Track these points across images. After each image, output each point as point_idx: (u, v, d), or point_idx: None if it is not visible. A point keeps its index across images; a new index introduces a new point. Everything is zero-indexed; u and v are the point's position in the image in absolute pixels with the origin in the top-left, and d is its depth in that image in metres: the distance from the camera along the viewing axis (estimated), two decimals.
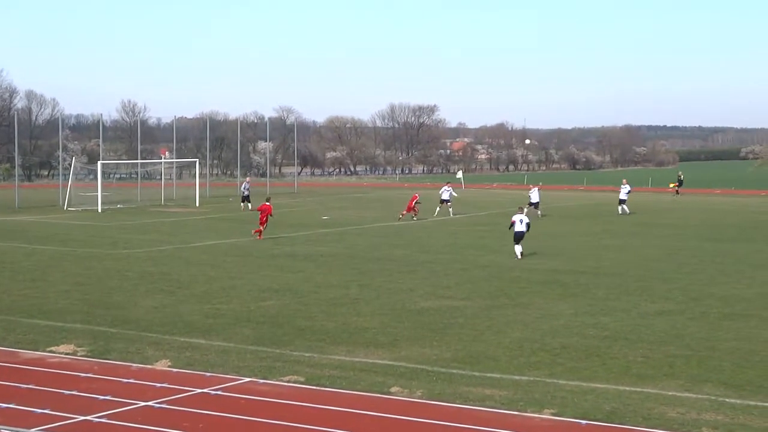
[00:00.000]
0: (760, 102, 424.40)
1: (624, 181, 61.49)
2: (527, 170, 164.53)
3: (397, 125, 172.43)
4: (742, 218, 57.22)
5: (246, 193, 63.70)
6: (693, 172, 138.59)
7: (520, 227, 35.51)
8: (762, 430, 14.08)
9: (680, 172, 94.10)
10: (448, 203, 56.63)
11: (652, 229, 48.65)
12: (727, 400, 15.62)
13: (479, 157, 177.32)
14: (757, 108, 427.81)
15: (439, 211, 55.63)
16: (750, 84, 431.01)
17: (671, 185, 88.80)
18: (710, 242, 42.07)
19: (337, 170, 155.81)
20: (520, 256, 34.99)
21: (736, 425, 14.25)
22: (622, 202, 58.91)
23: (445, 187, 57.71)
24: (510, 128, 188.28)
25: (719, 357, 18.80)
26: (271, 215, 42.86)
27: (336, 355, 18.91)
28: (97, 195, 62.50)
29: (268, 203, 43.35)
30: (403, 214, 53.55)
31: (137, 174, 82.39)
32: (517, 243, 35.40)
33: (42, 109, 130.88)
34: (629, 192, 59.85)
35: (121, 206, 65.16)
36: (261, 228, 42.23)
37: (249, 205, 61.92)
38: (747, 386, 16.50)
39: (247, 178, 70.16)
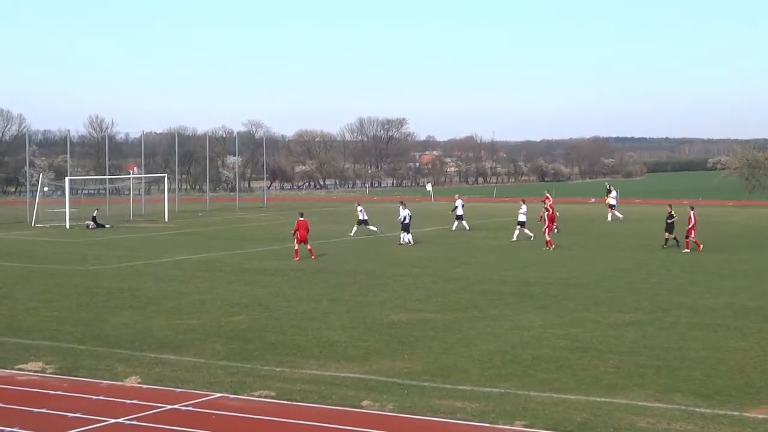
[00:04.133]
0: (725, 113, 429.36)
1: (457, 195, 59.52)
2: (496, 182, 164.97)
3: (366, 138, 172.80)
4: (709, 228, 57.58)
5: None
6: (661, 182, 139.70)
7: (406, 219, 46.14)
8: None
9: (607, 183, 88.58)
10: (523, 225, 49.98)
11: (620, 240, 48.87)
12: (696, 409, 15.72)
13: (448, 169, 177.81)
14: (722, 119, 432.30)
15: (518, 234, 49.12)
16: (715, 95, 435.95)
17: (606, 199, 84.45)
18: (678, 252, 42.30)
19: (307, 184, 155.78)
20: (403, 242, 45.68)
21: None
22: (459, 218, 55.33)
23: (523, 209, 50.44)
24: (479, 141, 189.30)
25: (689, 367, 18.91)
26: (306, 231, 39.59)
27: (307, 369, 18.88)
28: (65, 211, 62.18)
29: (301, 218, 39.97)
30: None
31: (105, 190, 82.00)
32: (404, 231, 45.83)
33: (8, 125, 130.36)
34: (463, 206, 57.24)
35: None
36: (297, 247, 39.28)
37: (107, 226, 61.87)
38: (716, 396, 16.60)
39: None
